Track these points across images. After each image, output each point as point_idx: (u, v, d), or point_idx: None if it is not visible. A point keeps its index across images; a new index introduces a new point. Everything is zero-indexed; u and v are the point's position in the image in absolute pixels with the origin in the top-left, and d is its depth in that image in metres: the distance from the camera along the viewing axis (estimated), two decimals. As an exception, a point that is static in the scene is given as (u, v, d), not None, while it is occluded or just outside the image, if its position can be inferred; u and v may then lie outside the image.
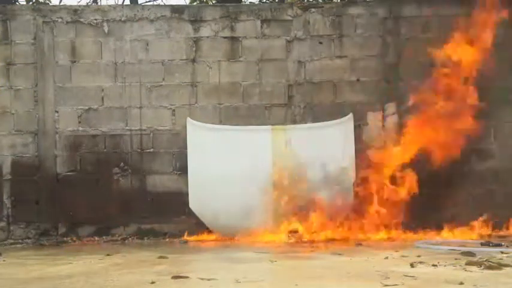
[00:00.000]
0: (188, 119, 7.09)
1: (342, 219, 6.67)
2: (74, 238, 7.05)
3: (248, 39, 7.27)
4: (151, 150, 7.22)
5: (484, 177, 7.10)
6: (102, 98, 7.24)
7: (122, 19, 7.27)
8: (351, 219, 6.69)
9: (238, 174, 6.75)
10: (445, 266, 4.43)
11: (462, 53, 6.77)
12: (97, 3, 9.93)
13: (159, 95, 7.24)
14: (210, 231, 6.86)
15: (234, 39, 7.28)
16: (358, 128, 7.02)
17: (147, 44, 7.26)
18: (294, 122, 7.15)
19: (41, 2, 8.78)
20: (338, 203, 6.63)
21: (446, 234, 6.54)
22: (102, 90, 7.25)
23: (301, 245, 6.17)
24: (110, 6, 7.71)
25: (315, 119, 7.10)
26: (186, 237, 6.89)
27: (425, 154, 6.79)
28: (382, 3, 7.31)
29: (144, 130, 7.22)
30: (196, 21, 7.28)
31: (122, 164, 7.19)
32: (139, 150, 7.21)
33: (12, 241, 6.99)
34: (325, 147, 6.78)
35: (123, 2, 10.30)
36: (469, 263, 4.40)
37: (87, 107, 7.23)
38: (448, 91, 6.80)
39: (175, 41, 7.27)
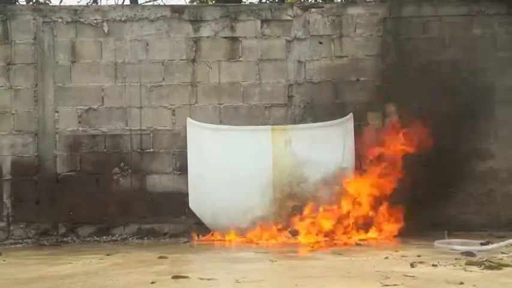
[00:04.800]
0: (188, 119, 7.09)
1: (342, 219, 6.65)
2: (74, 238, 7.05)
3: (248, 39, 7.27)
4: (151, 150, 7.22)
5: (484, 177, 7.10)
6: (102, 98, 7.24)
7: (122, 19, 7.27)
8: (350, 218, 6.68)
9: (238, 174, 6.74)
10: (445, 266, 4.43)
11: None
12: (97, 3, 9.94)
13: (159, 95, 7.24)
14: (209, 231, 6.85)
15: (234, 39, 7.28)
16: (358, 128, 7.02)
17: (147, 44, 7.26)
18: (294, 122, 7.15)
19: (41, 2, 8.79)
20: (338, 202, 6.62)
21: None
22: (102, 90, 7.25)
23: (301, 244, 6.16)
24: (110, 6, 7.72)
25: (315, 119, 7.10)
26: (185, 237, 6.90)
27: (424, 154, 6.79)
28: (382, 3, 7.31)
29: (144, 130, 7.22)
30: (196, 21, 7.28)
31: (122, 164, 7.19)
32: (139, 150, 7.22)
33: (12, 241, 6.99)
34: (325, 147, 6.77)
35: (123, 2, 10.31)
36: (469, 263, 4.40)
37: (87, 107, 7.23)
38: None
39: (175, 41, 7.27)
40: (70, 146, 7.21)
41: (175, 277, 4.11)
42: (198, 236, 6.82)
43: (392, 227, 6.56)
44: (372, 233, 6.54)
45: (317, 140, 6.80)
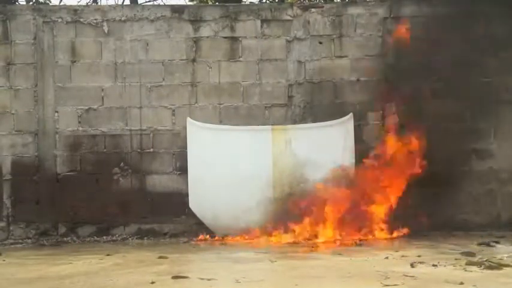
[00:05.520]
0: (188, 119, 7.09)
1: (342, 219, 6.65)
2: (74, 238, 7.05)
3: (248, 39, 7.27)
4: (151, 150, 7.22)
5: (484, 177, 7.10)
6: (102, 98, 7.24)
7: (122, 19, 7.27)
8: (350, 218, 6.67)
9: (238, 174, 6.75)
10: (445, 266, 4.44)
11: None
12: (97, 3, 9.94)
13: (159, 95, 7.24)
14: (210, 231, 6.86)
15: (234, 39, 7.28)
16: (358, 128, 7.02)
17: (147, 44, 7.26)
18: (294, 122, 7.15)
19: (41, 2, 8.80)
20: (338, 202, 6.62)
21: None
22: (102, 90, 7.25)
23: (301, 245, 6.17)
24: (110, 6, 7.72)
25: (315, 119, 7.10)
26: (185, 237, 6.90)
27: (424, 154, 6.79)
28: (382, 3, 7.30)
29: (144, 130, 7.22)
30: (196, 21, 7.28)
31: (121, 164, 7.19)
32: (139, 150, 7.22)
33: (12, 241, 6.99)
34: (325, 147, 6.78)
35: (123, 2, 10.32)
36: (469, 263, 4.41)
37: (87, 107, 7.23)
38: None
39: (175, 41, 7.27)
40: (70, 146, 7.20)
41: (175, 277, 4.12)
42: (197, 235, 6.82)
43: (395, 228, 6.56)
44: (373, 234, 6.53)
45: (317, 140, 6.80)
